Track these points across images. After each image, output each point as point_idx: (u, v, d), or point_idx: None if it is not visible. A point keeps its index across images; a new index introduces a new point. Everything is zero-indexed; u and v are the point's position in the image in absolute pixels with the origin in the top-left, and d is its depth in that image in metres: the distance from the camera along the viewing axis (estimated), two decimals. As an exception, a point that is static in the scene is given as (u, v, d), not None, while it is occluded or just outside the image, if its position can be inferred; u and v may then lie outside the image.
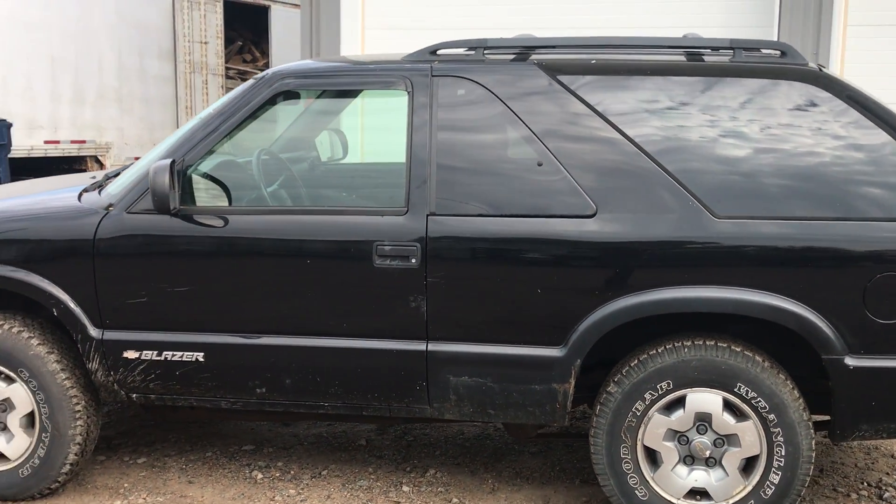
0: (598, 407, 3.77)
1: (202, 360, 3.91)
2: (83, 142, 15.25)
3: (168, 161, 3.70)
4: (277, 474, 4.42)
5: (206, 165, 3.97)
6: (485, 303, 3.72)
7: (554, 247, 3.66)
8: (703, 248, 3.58)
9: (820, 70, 3.68)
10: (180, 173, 3.84)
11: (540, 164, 3.69)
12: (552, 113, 3.73)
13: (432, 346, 3.77)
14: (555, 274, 3.67)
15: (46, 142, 14.96)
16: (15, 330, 4.01)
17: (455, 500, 4.16)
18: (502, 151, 3.76)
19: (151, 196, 3.70)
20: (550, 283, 3.67)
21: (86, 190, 4.19)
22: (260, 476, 4.39)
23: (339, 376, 3.86)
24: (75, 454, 4.08)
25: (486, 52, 3.93)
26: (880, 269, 3.50)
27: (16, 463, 4.09)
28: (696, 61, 3.85)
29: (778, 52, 3.77)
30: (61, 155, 14.79)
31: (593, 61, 3.83)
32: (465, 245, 3.71)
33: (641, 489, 3.75)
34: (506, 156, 3.75)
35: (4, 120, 13.77)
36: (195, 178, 3.91)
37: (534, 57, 3.87)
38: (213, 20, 18.33)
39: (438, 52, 3.94)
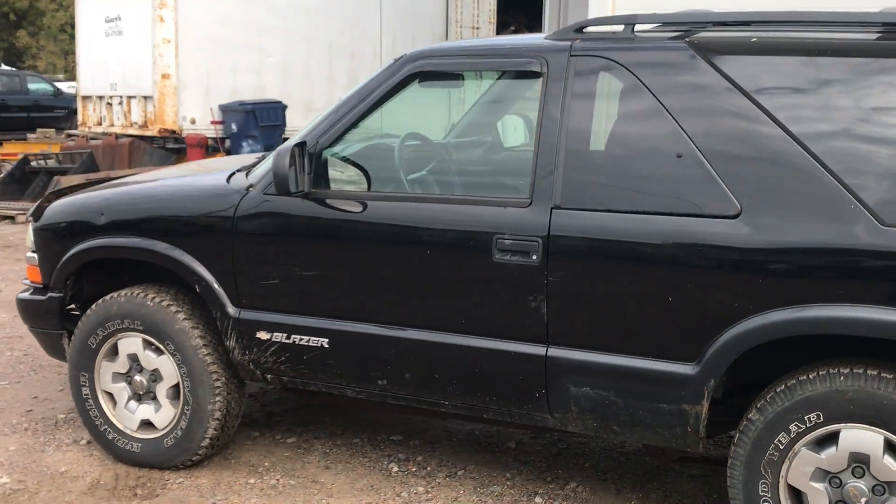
0: (738, 435, 3.32)
1: (327, 346, 3.84)
2: (355, 125, 15.85)
3: (291, 144, 3.64)
4: (413, 468, 4.28)
5: (343, 148, 3.88)
6: (610, 308, 3.37)
7: (689, 250, 3.24)
8: (864, 260, 3.03)
9: None
10: (313, 156, 3.76)
11: (679, 156, 3.28)
12: (698, 98, 3.30)
13: (552, 352, 3.47)
14: (688, 281, 3.25)
15: (321, 124, 15.68)
16: (165, 304, 4.12)
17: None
18: (639, 140, 3.38)
19: (273, 178, 3.65)
20: (683, 290, 3.26)
21: (238, 171, 4.22)
22: (395, 469, 4.28)
23: (457, 375, 3.66)
24: (214, 429, 4.13)
25: (636, 28, 3.53)
26: None
27: (162, 432, 4.21)
28: (887, 40, 3.26)
29: None
30: (334, 137, 15.44)
31: (753, 40, 3.35)
32: (591, 243, 3.37)
33: (783, 533, 3.26)
34: (642, 145, 3.37)
35: (280, 102, 14.60)
36: (331, 160, 3.82)
37: (689, 34, 3.43)
38: (487, 6, 18.47)
39: (586, 29, 3.60)
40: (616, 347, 3.39)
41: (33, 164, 13.73)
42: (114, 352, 4.26)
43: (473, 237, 3.52)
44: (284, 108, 14.67)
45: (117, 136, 14.81)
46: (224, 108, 14.51)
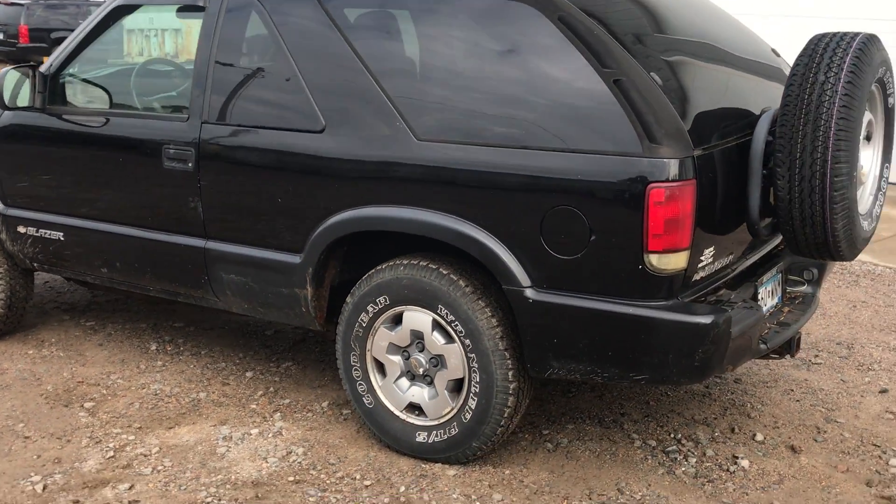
0: (340, 316, 3.96)
1: (62, 238, 4.61)
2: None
3: (10, 67, 4.39)
4: (169, 348, 5.05)
5: (70, 72, 4.59)
6: (241, 207, 4.04)
7: (288, 159, 3.87)
8: (404, 169, 3.61)
9: (541, -12, 3.48)
10: (46, 78, 4.51)
11: (288, 80, 3.89)
12: (304, 28, 3.88)
13: (208, 244, 4.16)
14: (290, 184, 3.88)
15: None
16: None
17: (272, 389, 4.54)
18: (263, 64, 4.00)
19: None
20: (287, 193, 3.90)
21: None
22: (154, 348, 5.05)
23: (149, 264, 4.39)
24: (1, 308, 4.98)
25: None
26: (554, 202, 3.34)
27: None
28: None
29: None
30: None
31: (352, -20, 3.91)
32: (225, 152, 4.03)
33: (368, 397, 3.91)
34: (265, 69, 3.99)
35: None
36: (67, 81, 4.56)
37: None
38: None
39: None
40: (249, 240, 4.06)
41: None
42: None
43: (150, 147, 4.21)
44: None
45: (149, 66, 15.82)
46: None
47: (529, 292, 3.43)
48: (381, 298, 3.77)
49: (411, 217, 3.60)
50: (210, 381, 4.65)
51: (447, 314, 3.62)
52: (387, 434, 3.90)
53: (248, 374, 4.72)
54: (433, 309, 3.66)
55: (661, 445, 3.99)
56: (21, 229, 4.74)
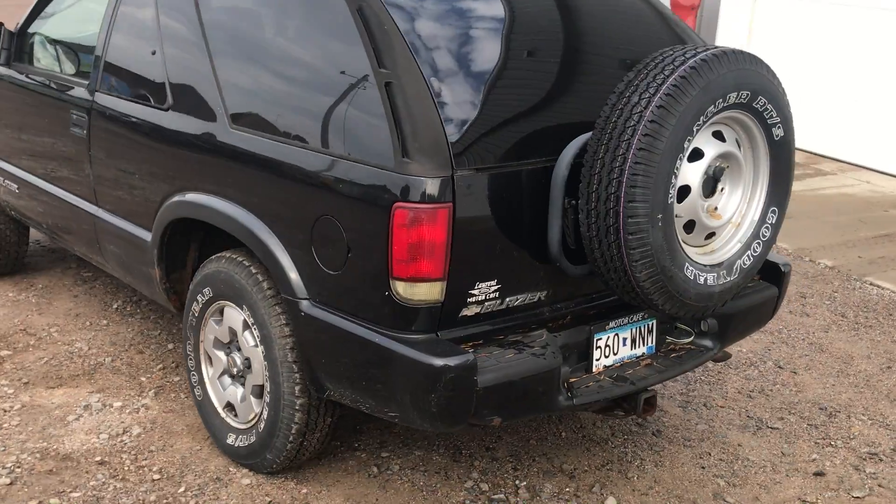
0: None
1: (17, 191, 4.80)
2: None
3: None
4: (128, 308, 5.15)
5: (33, 31, 4.72)
6: (115, 179, 4.02)
7: (141, 134, 3.80)
8: (219, 156, 3.44)
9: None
10: (13, 36, 4.70)
11: (153, 53, 3.80)
12: (175, 5, 3.77)
13: (97, 212, 4.18)
14: (142, 161, 3.82)
15: None
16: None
17: (174, 364, 4.52)
18: (142, 37, 3.92)
19: None
20: (141, 169, 3.83)
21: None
22: (115, 306, 5.17)
23: (67, 224, 4.48)
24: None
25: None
26: (321, 210, 3.05)
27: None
28: None
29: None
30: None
31: (225, -48, 3.73)
32: (105, 122, 4.01)
33: (199, 389, 3.80)
34: (141, 42, 3.91)
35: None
36: (28, 40, 4.72)
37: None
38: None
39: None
40: (121, 212, 4.03)
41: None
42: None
43: (63, 109, 4.27)
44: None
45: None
46: None
47: (304, 304, 3.17)
48: (206, 290, 3.63)
49: (211, 206, 3.43)
50: (131, 346, 4.69)
51: (249, 316, 3.42)
52: (210, 429, 3.77)
53: (170, 346, 4.71)
54: (241, 307, 3.47)
55: (493, 491, 3.58)
56: (-1, 178, 4.98)
